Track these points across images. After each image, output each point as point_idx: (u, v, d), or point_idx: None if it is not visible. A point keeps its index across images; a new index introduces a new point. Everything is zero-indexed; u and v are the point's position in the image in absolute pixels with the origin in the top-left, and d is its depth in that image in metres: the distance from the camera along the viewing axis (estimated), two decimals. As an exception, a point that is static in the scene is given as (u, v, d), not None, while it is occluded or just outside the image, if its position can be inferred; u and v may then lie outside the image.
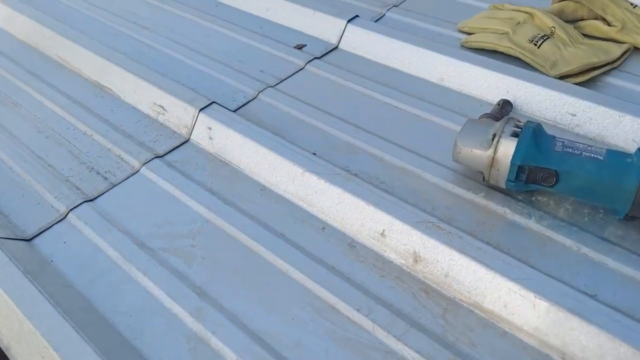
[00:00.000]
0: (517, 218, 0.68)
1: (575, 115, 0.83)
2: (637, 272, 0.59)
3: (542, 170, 0.67)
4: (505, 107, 0.86)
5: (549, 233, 0.66)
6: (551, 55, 0.95)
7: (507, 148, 0.68)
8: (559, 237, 0.65)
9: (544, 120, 0.85)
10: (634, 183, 0.62)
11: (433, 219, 0.65)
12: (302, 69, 1.04)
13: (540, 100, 0.87)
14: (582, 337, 0.51)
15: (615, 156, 0.65)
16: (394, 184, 0.76)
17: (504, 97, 0.89)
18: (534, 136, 0.68)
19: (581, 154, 0.66)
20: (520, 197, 0.71)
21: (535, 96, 0.87)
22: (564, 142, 0.68)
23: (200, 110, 0.88)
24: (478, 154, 0.70)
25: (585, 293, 0.58)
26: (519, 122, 0.71)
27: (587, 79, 0.92)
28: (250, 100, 0.96)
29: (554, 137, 0.69)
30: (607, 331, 0.50)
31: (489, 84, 0.92)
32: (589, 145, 0.67)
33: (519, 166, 0.67)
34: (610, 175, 0.64)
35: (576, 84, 0.91)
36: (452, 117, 0.87)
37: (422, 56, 0.99)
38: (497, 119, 0.79)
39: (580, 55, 0.94)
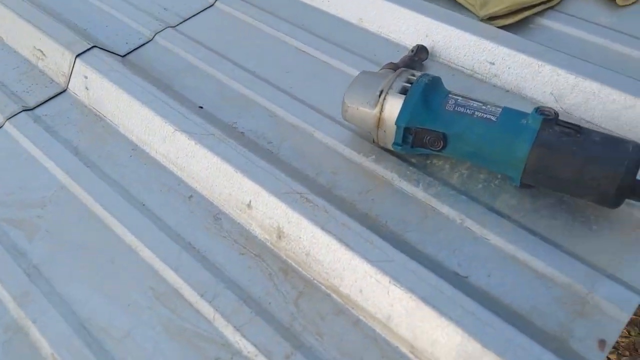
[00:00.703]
0: (404, 185, 0.61)
1: (494, 64, 0.74)
2: (518, 250, 0.53)
3: (429, 133, 0.59)
4: (419, 54, 0.77)
5: (434, 203, 0.59)
6: (481, -7, 0.84)
7: (393, 107, 0.60)
8: (444, 208, 0.58)
9: (462, 68, 0.76)
10: (525, 148, 0.54)
11: (303, 189, 0.58)
12: (211, 5, 0.93)
13: (459, 46, 0.77)
14: (432, 331, 0.45)
15: (510, 117, 0.57)
16: (282, 144, 0.68)
17: (421, 42, 0.79)
18: (423, 93, 0.59)
19: (473, 114, 0.58)
20: (414, 161, 0.64)
21: (454, 41, 0.78)
22: (457, 100, 0.59)
23: (77, 55, 0.78)
24: (364, 112, 0.62)
25: (457, 274, 0.52)
26: (413, 75, 0.62)
27: (518, 20, 0.82)
28: (145, 44, 0.86)
29: (449, 93, 0.61)
30: (457, 325, 0.44)
31: (408, 26, 0.82)
32: (484, 104, 0.59)
33: (406, 128, 0.59)
34: (501, 139, 0.56)
35: (505, 26, 0.81)
36: (363, 65, 0.78)
37: (340, -8, 0.88)
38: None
39: (511, -8, 0.83)
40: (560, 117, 0.55)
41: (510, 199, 0.59)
